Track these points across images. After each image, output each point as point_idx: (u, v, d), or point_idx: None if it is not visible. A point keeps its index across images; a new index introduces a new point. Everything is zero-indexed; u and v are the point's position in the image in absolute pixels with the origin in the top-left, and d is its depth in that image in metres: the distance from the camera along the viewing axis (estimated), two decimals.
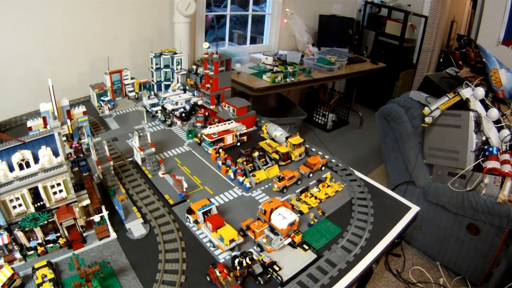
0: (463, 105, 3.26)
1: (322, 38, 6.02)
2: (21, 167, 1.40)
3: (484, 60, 3.63)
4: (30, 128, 2.10)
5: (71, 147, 2.12)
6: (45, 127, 2.11)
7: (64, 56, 3.46)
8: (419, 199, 3.43)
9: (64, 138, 2.18)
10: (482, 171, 2.95)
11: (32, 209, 1.46)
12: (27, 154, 1.40)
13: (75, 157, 2.10)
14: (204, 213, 1.62)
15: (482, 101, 3.27)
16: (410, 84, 7.34)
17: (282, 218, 1.58)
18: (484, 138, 3.18)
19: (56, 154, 1.45)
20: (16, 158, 1.37)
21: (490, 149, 3.03)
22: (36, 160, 1.42)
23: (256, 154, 2.13)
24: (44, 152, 1.42)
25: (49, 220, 1.48)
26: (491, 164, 2.91)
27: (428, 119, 3.30)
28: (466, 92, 3.27)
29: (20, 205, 1.43)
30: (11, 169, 1.38)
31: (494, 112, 3.17)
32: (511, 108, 3.58)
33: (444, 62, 8.82)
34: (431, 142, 3.44)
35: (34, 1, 3.10)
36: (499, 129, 3.19)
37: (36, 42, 3.24)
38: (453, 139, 3.25)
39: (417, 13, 6.65)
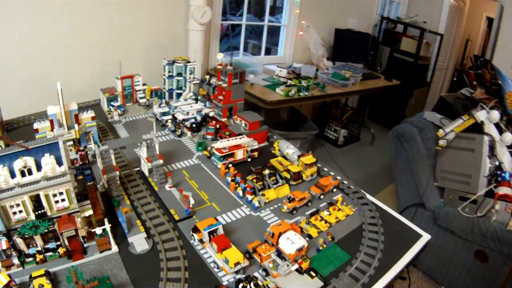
0: (477, 127, 3.20)
1: (337, 52, 5.97)
2: (23, 173, 1.35)
3: (500, 82, 3.55)
4: (36, 130, 2.06)
5: (77, 153, 2.07)
6: (52, 130, 2.06)
7: (77, 58, 3.44)
8: (428, 222, 3.36)
9: (71, 143, 2.14)
10: (493, 197, 2.88)
11: (32, 216, 1.41)
12: (30, 161, 1.35)
13: (81, 163, 2.06)
14: (210, 233, 1.55)
15: (496, 125, 3.20)
16: (423, 102, 7.28)
17: (291, 242, 1.51)
18: (497, 163, 3.09)
19: (59, 162, 1.40)
20: (18, 164, 1.32)
21: (503, 174, 2.95)
22: (39, 167, 1.37)
23: (266, 172, 2.07)
24: (47, 160, 1.36)
25: (50, 229, 1.43)
26: (503, 190, 2.85)
27: (442, 142, 3.24)
28: (480, 115, 3.21)
29: (20, 211, 1.38)
30: (13, 174, 1.33)
31: (508, 137, 3.09)
32: None
33: (458, 81, 8.78)
34: (444, 164, 3.37)
35: (48, 3, 3.08)
36: None
37: (49, 42, 3.23)
38: (466, 162, 3.17)
39: (432, 31, 6.62)
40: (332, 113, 6.20)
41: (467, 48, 9.53)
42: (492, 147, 3.11)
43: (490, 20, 9.39)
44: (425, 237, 1.89)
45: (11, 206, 1.36)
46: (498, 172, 3.00)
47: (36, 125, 2.07)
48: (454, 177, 3.27)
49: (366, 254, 1.68)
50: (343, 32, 6.04)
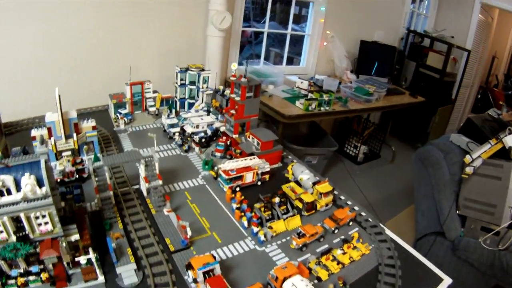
0: (505, 152, 3.05)
1: (362, 65, 5.77)
2: (1, 193, 1.21)
3: None
4: (33, 138, 1.96)
5: (73, 165, 1.93)
6: (50, 138, 1.96)
7: (89, 61, 3.34)
8: (447, 252, 3.18)
9: (69, 153, 2.01)
10: None
11: (14, 238, 1.27)
12: (8, 180, 1.21)
13: (77, 176, 1.92)
14: (206, 272, 1.37)
15: None
16: (447, 120, 7.03)
17: None
18: None
19: (41, 184, 1.25)
20: None
21: None
22: (19, 187, 1.23)
23: (276, 200, 1.87)
24: (27, 181, 1.22)
25: (31, 252, 1.31)
26: None
27: (469, 170, 3.10)
28: (509, 140, 3.07)
29: (1, 231, 1.25)
30: None
31: None
32: None
33: (482, 99, 8.55)
34: (468, 192, 3.21)
35: (60, 5, 3.00)
36: None
37: (59, 44, 3.14)
38: (491, 191, 3.05)
39: (460, 46, 6.35)
40: (353, 128, 5.97)
41: (493, 65, 9.26)
42: None
43: None
44: (447, 281, 1.68)
45: None
46: None
47: (33, 132, 1.97)
48: (478, 206, 3.13)
49: None
50: (368, 44, 5.84)
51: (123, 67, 3.32)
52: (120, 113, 2.66)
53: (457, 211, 3.23)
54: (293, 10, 4.94)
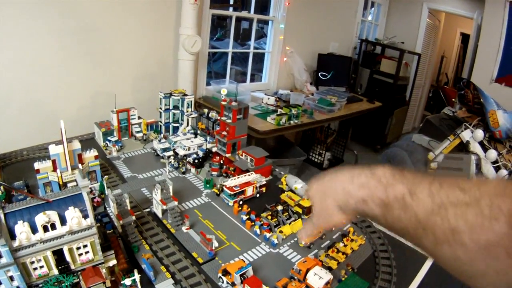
0: (463, 146, 3.39)
1: (321, 77, 6.07)
2: (45, 229, 1.29)
3: (482, 101, 3.73)
4: (37, 171, 1.99)
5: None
6: (54, 170, 2.02)
7: (65, 87, 3.39)
8: None
9: (75, 184, 2.08)
10: None
11: (55, 271, 1.35)
12: (53, 216, 1.29)
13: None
14: (241, 275, 1.55)
15: (480, 142, 3.39)
16: (403, 121, 7.43)
17: (319, 278, 1.56)
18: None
19: (85, 215, 1.36)
20: (40, 219, 1.26)
21: None
22: (62, 221, 1.32)
23: (279, 208, 2.10)
24: (73, 214, 1.31)
25: (74, 282, 1.38)
26: None
27: (433, 165, 3.37)
28: (465, 135, 3.39)
29: (41, 266, 1.32)
30: (33, 229, 1.27)
31: (492, 154, 3.30)
32: (507, 147, 3.67)
33: (434, 97, 9.02)
34: None
35: (34, 30, 3.06)
36: (496, 168, 3.28)
37: (36, 71, 3.18)
38: None
39: (411, 51, 6.77)
40: (316, 137, 6.26)
41: (442, 64, 9.79)
42: (478, 165, 3.27)
43: (464, 36, 9.71)
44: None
45: (32, 262, 1.30)
46: None
47: (37, 165, 2.01)
48: None
49: (383, 280, 1.74)
50: (325, 57, 6.14)
51: (99, 94, 3.41)
52: (110, 141, 2.76)
53: None
54: (255, 27, 5.15)
